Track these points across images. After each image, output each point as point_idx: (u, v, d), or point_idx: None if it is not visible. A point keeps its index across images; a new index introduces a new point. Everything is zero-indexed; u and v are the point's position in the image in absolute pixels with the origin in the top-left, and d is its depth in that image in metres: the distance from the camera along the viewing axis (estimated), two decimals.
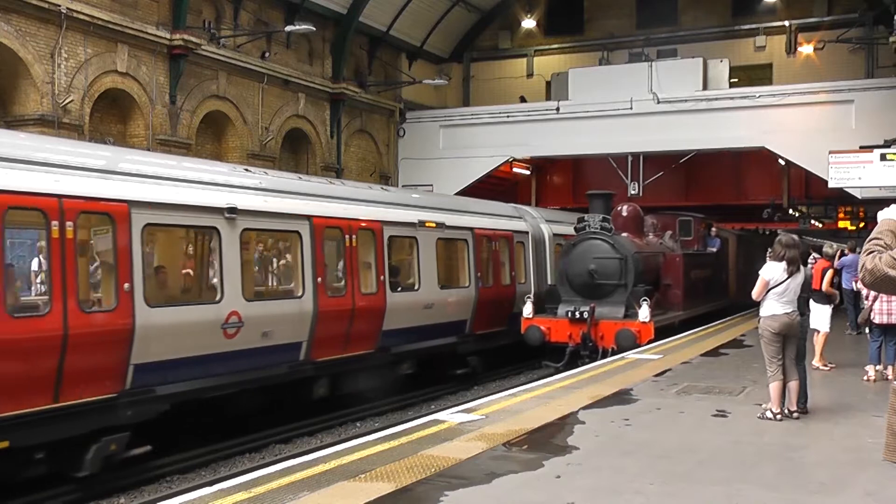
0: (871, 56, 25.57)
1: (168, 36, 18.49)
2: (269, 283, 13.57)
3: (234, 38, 20.70)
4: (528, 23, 29.20)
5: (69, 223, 8.83)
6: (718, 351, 14.66)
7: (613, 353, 14.92)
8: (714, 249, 22.20)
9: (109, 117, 18.24)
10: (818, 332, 12.56)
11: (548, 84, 28.82)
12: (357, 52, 25.52)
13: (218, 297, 10.85)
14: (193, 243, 11.78)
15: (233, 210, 11.00)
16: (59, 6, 15.94)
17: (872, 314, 11.46)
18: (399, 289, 14.70)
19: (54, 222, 8.69)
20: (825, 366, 12.61)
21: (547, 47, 30.23)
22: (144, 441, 9.83)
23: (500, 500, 6.02)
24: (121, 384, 9.50)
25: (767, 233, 33.87)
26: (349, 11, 23.81)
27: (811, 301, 12.28)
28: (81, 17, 16.49)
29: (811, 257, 12.68)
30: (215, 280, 11.00)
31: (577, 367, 13.84)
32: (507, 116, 26.75)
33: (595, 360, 14.62)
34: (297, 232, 12.29)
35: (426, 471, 6.63)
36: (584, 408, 9.28)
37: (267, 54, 21.74)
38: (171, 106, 18.94)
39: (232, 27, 20.74)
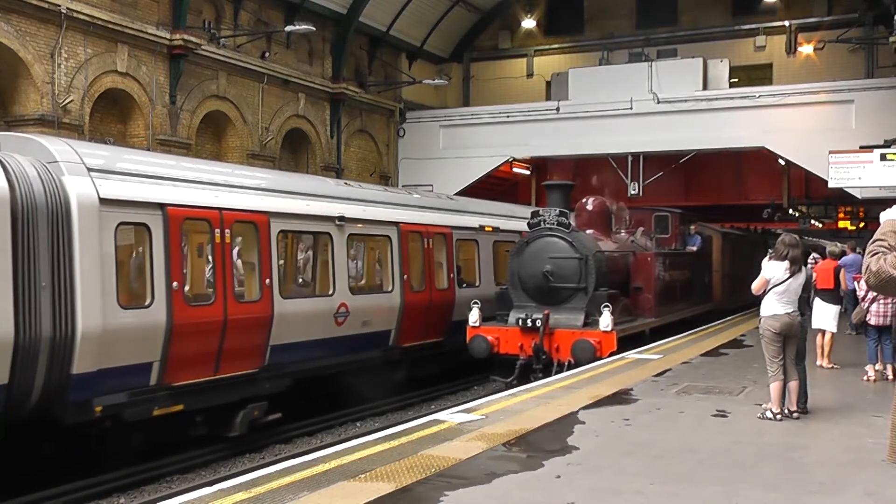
0: (871, 56, 25.56)
1: (168, 36, 18.49)
2: (367, 280, 15.73)
3: (234, 38, 20.70)
4: (528, 23, 29.19)
5: (227, 230, 11.09)
6: (718, 351, 14.66)
7: (571, 366, 13.18)
8: (694, 248, 20.17)
9: (109, 117, 18.25)
10: (824, 332, 12.59)
11: (548, 84, 28.82)
12: (357, 52, 25.52)
13: (331, 291, 13.10)
14: (313, 246, 13.93)
15: (342, 218, 13.36)
16: (59, 6, 15.95)
17: (868, 316, 11.47)
18: (464, 285, 17.02)
19: (216, 230, 10.95)
20: (830, 366, 12.62)
21: (547, 47, 30.23)
22: (276, 410, 11.94)
23: (500, 500, 6.01)
24: (261, 361, 11.64)
25: (759, 231, 33.63)
26: (349, 11, 23.81)
27: (819, 300, 12.35)
28: (81, 17, 16.49)
29: (811, 257, 12.70)
30: (329, 277, 13.20)
31: (532, 381, 12.41)
32: (507, 116, 26.75)
33: (550, 374, 12.92)
34: (388, 236, 14.80)
35: (426, 471, 6.63)
36: (584, 408, 9.27)
37: (267, 54, 21.74)
38: (171, 106, 18.95)
39: (232, 27, 20.74)
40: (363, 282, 15.50)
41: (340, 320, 13.09)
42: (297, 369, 12.32)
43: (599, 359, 13.24)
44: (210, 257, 11.25)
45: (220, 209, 11.00)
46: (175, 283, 10.20)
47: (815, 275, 12.31)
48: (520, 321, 14.15)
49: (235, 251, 11.84)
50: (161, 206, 10.21)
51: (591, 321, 14.06)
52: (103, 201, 9.54)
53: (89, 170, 9.65)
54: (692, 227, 20.45)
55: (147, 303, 10.02)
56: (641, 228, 18.11)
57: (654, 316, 16.42)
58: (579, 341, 13.61)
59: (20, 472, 9.58)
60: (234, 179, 11.96)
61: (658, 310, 16.56)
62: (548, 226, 14.74)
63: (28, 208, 8.83)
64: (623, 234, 17.49)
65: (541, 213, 15.01)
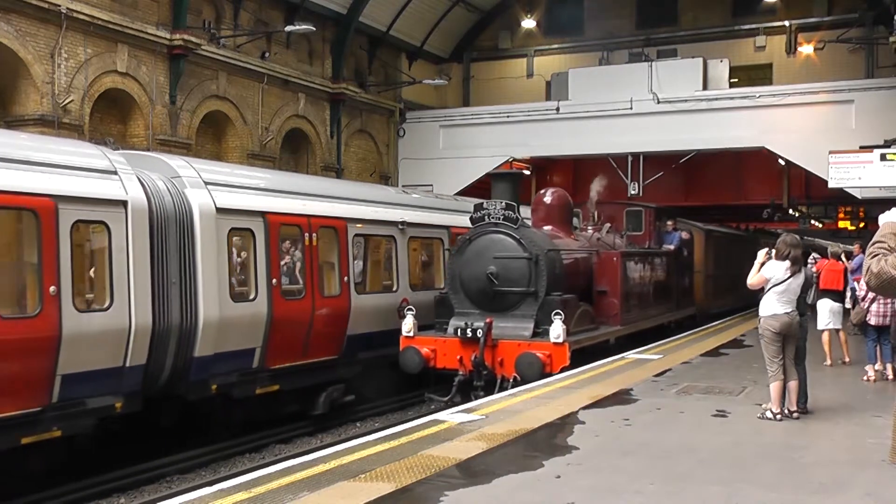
0: (871, 56, 25.56)
1: (168, 36, 18.48)
2: (422, 278, 16.70)
3: (234, 38, 20.70)
4: (528, 23, 29.17)
5: (314, 234, 12.81)
6: (718, 351, 14.67)
7: (516, 383, 11.70)
8: (672, 246, 18.44)
9: (109, 117, 18.24)
10: (832, 331, 12.74)
11: (548, 84, 28.79)
12: (357, 52, 25.51)
13: (395, 288, 14.89)
14: (380, 248, 15.34)
15: (404, 223, 15.06)
16: (59, 6, 15.94)
17: (868, 316, 11.48)
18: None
19: (306, 234, 12.69)
20: (845, 362, 12.89)
21: (547, 47, 30.21)
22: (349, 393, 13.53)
23: (500, 500, 6.01)
24: (339, 350, 13.29)
25: (752, 230, 33.36)
26: (349, 11, 23.81)
27: (828, 300, 12.44)
28: (81, 17, 16.48)
29: (811, 258, 12.72)
30: (393, 275, 14.99)
31: (473, 399, 11.25)
32: (507, 116, 26.74)
33: (491, 393, 11.39)
34: (441, 239, 16.25)
35: (426, 471, 6.63)
36: (584, 408, 9.28)
37: (267, 54, 21.73)
38: (171, 106, 18.94)
39: (232, 27, 20.73)
40: (419, 280, 16.53)
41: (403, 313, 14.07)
42: (367, 357, 13.86)
43: (548, 375, 11.70)
44: (300, 258, 12.87)
45: (308, 216, 12.83)
46: (274, 280, 11.94)
47: (818, 274, 12.42)
48: (458, 331, 12.51)
49: (324, 253, 13.45)
50: (262, 214, 11.93)
51: (541, 331, 12.42)
52: (219, 210, 11.20)
53: (206, 183, 11.28)
54: (669, 223, 18.79)
55: (252, 297, 11.74)
56: (609, 225, 16.47)
57: (621, 323, 14.68)
58: (524, 355, 11.96)
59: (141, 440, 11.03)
60: (317, 189, 13.81)
61: (625, 316, 14.85)
62: (492, 220, 13.04)
63: (161, 217, 10.44)
64: (590, 232, 15.97)
65: (485, 205, 13.26)
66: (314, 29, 20.99)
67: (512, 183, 13.81)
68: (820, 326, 12.74)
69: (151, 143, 18.15)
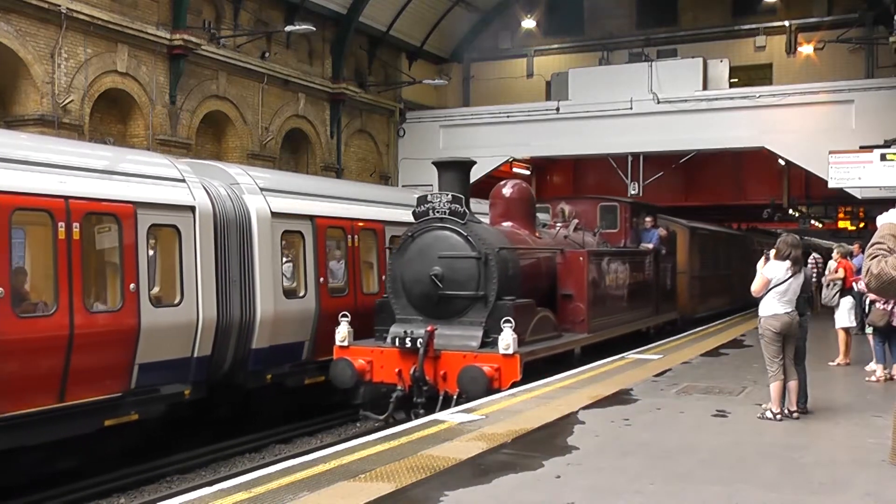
0: (871, 56, 25.59)
1: (168, 36, 18.48)
2: None
3: (234, 38, 20.70)
4: (528, 23, 29.16)
5: (356, 236, 14.01)
6: (718, 351, 14.66)
7: (461, 399, 10.36)
8: (650, 245, 16.76)
9: (109, 117, 18.24)
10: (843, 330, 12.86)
11: (548, 84, 28.81)
12: (357, 52, 25.51)
13: None
14: None
15: None
16: (59, 6, 15.94)
17: (893, 318, 11.41)
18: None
19: (349, 235, 13.90)
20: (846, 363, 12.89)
21: (547, 47, 30.24)
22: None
23: (500, 500, 6.01)
24: None
25: (745, 228, 33.11)
26: (349, 11, 23.81)
27: (850, 298, 12.50)
28: (81, 17, 16.48)
29: (811, 258, 12.72)
30: None
31: (412, 419, 10.01)
32: (507, 116, 26.75)
33: (433, 410, 10.02)
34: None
35: (426, 471, 6.63)
36: (584, 408, 9.27)
37: (267, 54, 21.74)
38: (171, 106, 18.94)
39: (232, 27, 20.74)
40: None
41: None
42: None
43: (496, 391, 10.34)
44: (344, 257, 13.97)
45: (351, 219, 14.00)
46: (321, 279, 12.99)
47: (843, 271, 12.60)
48: (397, 340, 11.12)
49: (364, 253, 14.52)
50: (311, 218, 12.99)
51: (491, 340, 11.01)
52: (273, 214, 12.20)
53: (261, 189, 12.28)
54: (648, 220, 17.07)
55: (302, 294, 12.81)
56: (576, 221, 14.77)
57: (587, 330, 13.15)
58: (468, 369, 10.52)
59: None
60: (358, 194, 15.04)
61: (593, 322, 13.34)
62: (438, 215, 11.60)
63: (223, 221, 11.36)
64: (559, 229, 14.43)
65: (429, 198, 11.80)
66: (314, 29, 20.99)
67: (460, 172, 12.21)
68: (844, 324, 12.84)
69: (151, 143, 18.15)
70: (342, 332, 11.70)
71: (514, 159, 27.29)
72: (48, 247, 9.22)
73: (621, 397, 10.00)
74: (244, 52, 20.99)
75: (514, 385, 10.51)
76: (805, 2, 27.23)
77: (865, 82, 23.92)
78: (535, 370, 11.16)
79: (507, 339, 10.62)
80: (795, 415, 8.83)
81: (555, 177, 30.21)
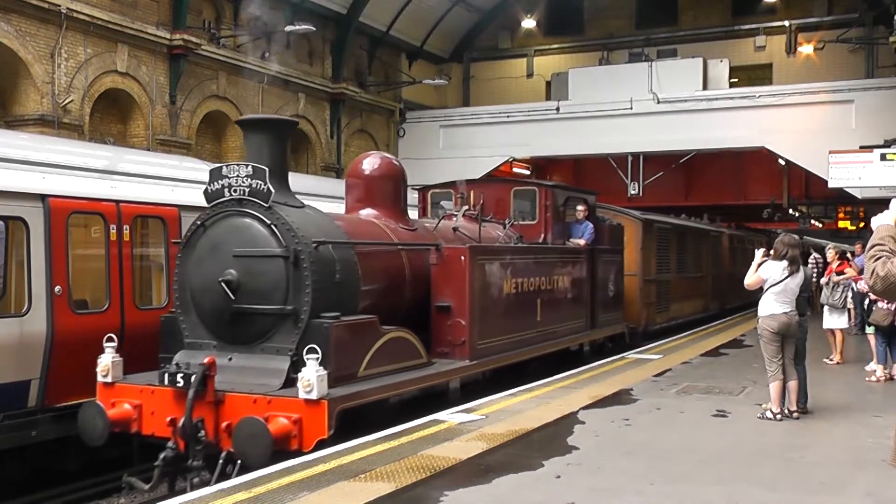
0: (871, 56, 25.60)
1: (168, 36, 18.49)
2: None
3: (234, 38, 20.70)
4: (528, 23, 29.20)
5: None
6: (718, 351, 14.66)
7: (244, 467, 7.09)
8: (582, 241, 13.25)
9: (109, 117, 18.25)
10: (839, 330, 12.93)
11: (548, 84, 28.85)
12: (357, 52, 25.51)
13: None
14: None
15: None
16: (59, 6, 15.94)
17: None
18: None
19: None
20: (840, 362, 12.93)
21: (547, 47, 30.25)
22: None
23: (500, 500, 6.01)
24: None
25: (727, 226, 31.79)
26: (349, 11, 23.82)
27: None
28: (81, 17, 16.48)
29: (811, 258, 12.72)
30: None
31: (189, 489, 7.15)
32: (507, 116, 26.76)
33: (211, 474, 7.31)
34: None
35: (426, 471, 6.63)
36: (584, 408, 9.27)
37: (267, 54, 21.73)
38: (171, 106, 18.95)
39: (232, 27, 20.73)
40: None
41: None
42: None
43: (292, 455, 7.07)
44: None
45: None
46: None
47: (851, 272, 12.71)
48: (167, 377, 7.67)
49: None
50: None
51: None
52: None
53: None
54: (580, 209, 13.51)
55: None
56: (465, 208, 11.85)
57: (471, 356, 9.70)
58: (245, 423, 7.12)
59: None
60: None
61: (479, 345, 9.91)
62: (234, 196, 8.16)
63: None
64: (440, 219, 11.24)
65: (224, 171, 8.24)
66: (314, 29, 20.97)
67: (272, 135, 8.44)
68: (842, 326, 13.06)
69: (151, 143, 18.15)
70: (104, 363, 8.17)
71: (514, 159, 27.31)
72: (101, 248, 9.96)
73: (621, 397, 10.00)
74: (244, 52, 20.98)
75: (321, 444, 7.28)
76: (805, 2, 27.23)
77: (865, 82, 23.93)
78: (391, 410, 8.42)
79: (309, 375, 7.25)
80: (795, 415, 8.83)
81: (555, 177, 30.15)
